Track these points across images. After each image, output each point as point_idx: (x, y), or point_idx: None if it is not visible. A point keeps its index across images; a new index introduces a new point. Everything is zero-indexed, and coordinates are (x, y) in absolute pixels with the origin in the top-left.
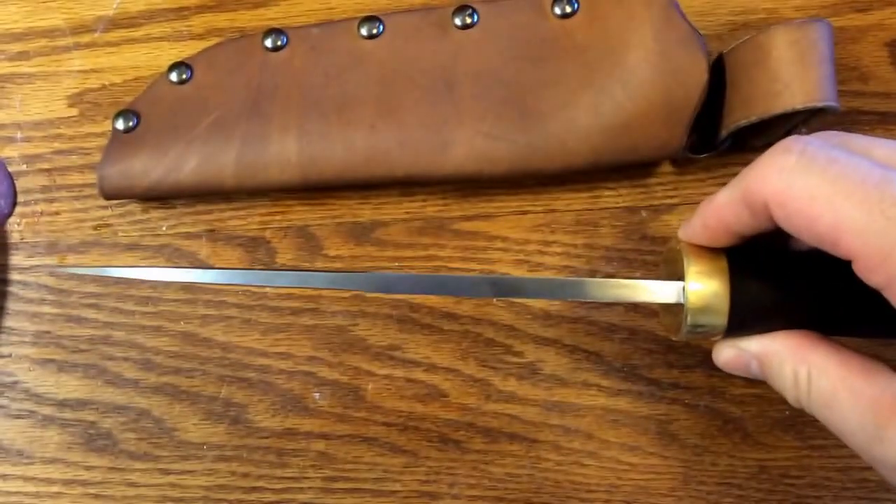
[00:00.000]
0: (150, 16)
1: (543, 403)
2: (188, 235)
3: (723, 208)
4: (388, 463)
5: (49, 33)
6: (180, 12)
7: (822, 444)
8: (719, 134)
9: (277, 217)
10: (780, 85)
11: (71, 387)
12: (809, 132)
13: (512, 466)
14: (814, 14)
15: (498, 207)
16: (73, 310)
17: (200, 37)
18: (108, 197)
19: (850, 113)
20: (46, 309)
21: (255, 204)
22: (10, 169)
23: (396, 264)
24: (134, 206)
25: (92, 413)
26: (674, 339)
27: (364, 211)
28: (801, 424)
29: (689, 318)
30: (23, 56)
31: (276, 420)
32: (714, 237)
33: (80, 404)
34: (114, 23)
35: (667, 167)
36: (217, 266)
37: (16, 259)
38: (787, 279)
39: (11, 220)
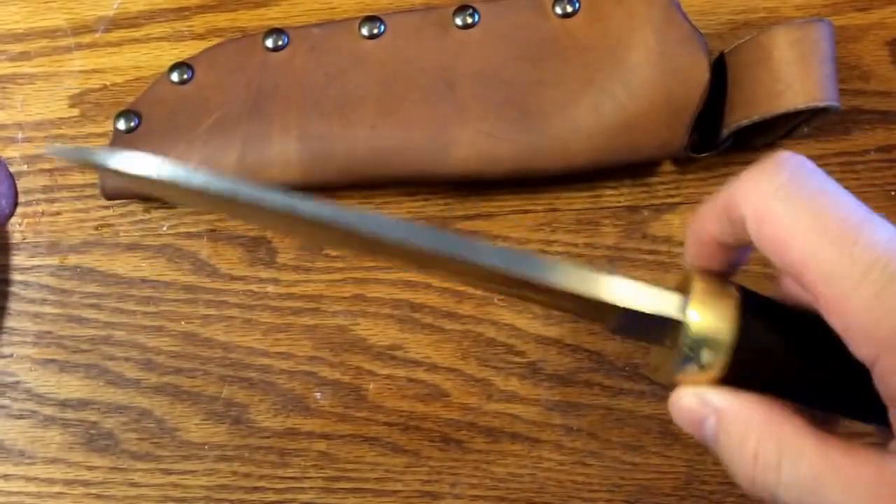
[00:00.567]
0: (150, 16)
1: (545, 403)
2: (189, 235)
3: (705, 215)
4: (389, 463)
5: (50, 33)
6: (181, 12)
7: None
8: (721, 133)
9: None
10: (781, 84)
11: (72, 387)
12: (811, 131)
13: (514, 466)
14: (815, 13)
15: (499, 207)
16: (75, 310)
17: (201, 37)
18: (109, 197)
19: (851, 112)
20: (48, 309)
21: None
22: (12, 169)
23: None
24: (135, 206)
25: (93, 413)
26: (661, 381)
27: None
28: None
29: (689, 336)
30: (24, 56)
31: (277, 420)
32: (704, 251)
33: (82, 404)
34: (115, 23)
35: (668, 166)
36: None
37: (17, 259)
38: (796, 333)
39: (13, 220)
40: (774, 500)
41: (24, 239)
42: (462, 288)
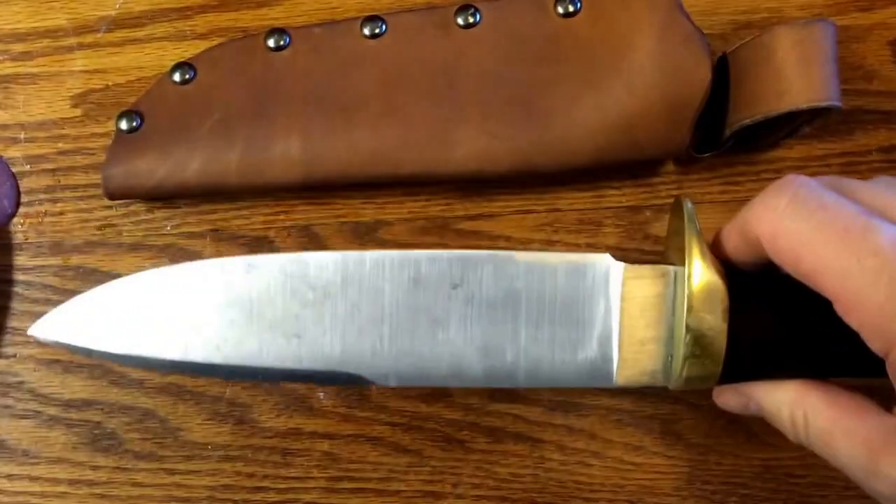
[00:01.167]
0: (152, 16)
1: (547, 403)
2: (192, 235)
3: (724, 240)
4: (392, 463)
5: (52, 33)
6: (183, 12)
7: None
8: (723, 133)
9: (281, 216)
10: (783, 84)
11: (76, 387)
12: (813, 131)
13: (516, 466)
14: (817, 13)
15: (501, 207)
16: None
17: (203, 37)
18: (112, 197)
19: (853, 112)
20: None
21: (259, 203)
22: (14, 169)
23: None
24: (138, 206)
25: (97, 413)
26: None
27: (367, 210)
28: None
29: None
30: (26, 56)
31: (280, 420)
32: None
33: (86, 404)
34: (117, 23)
35: (670, 166)
36: None
37: (20, 259)
38: (785, 320)
39: (15, 220)
40: (811, 449)
41: (27, 239)
42: None
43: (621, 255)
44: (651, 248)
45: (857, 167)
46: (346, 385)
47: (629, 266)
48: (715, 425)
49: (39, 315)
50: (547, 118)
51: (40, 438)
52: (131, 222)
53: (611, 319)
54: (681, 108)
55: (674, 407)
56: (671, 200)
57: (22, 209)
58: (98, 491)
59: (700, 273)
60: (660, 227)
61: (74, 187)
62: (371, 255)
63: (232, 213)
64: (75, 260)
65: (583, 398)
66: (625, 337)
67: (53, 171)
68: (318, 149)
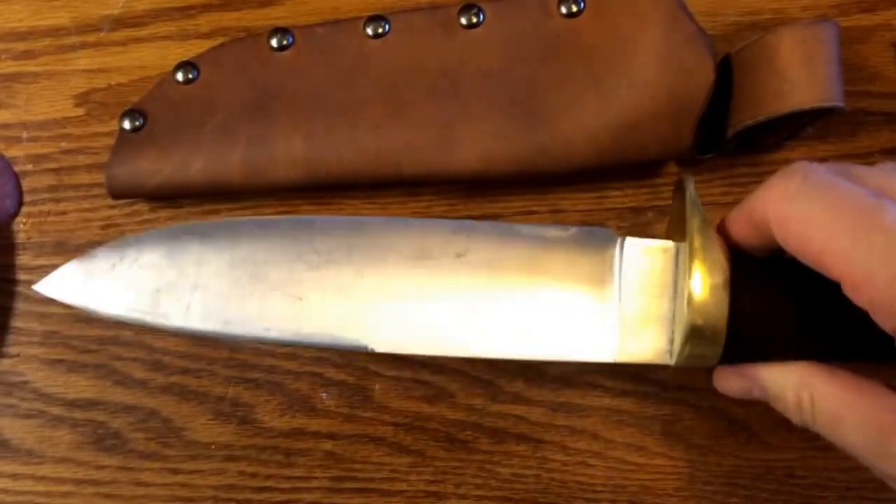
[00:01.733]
0: (156, 15)
1: (549, 404)
2: None
3: (731, 224)
4: (395, 463)
5: (55, 32)
6: (186, 11)
7: (826, 445)
8: (725, 134)
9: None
10: (786, 85)
11: (80, 387)
12: (816, 132)
13: (518, 467)
14: (821, 14)
15: (504, 207)
16: (82, 310)
17: (206, 36)
18: (116, 196)
19: (856, 113)
20: (54, 309)
21: (262, 203)
22: (17, 168)
23: None
24: (141, 206)
25: (101, 413)
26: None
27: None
28: None
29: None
30: (28, 55)
31: (283, 420)
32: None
33: (90, 404)
34: (120, 22)
35: (673, 167)
36: None
37: (23, 259)
38: (789, 300)
39: (17, 219)
40: (818, 433)
41: (30, 238)
42: None
43: None
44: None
45: None
46: (347, 349)
47: (632, 238)
48: (716, 426)
49: (43, 315)
50: (550, 118)
51: (45, 438)
52: (135, 222)
53: (613, 292)
54: (684, 109)
55: (675, 408)
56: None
57: (25, 208)
58: (103, 490)
59: (702, 247)
60: (662, 228)
61: (77, 187)
62: (376, 221)
63: (235, 213)
64: None
65: (585, 399)
66: (626, 312)
67: (56, 170)
68: (321, 149)
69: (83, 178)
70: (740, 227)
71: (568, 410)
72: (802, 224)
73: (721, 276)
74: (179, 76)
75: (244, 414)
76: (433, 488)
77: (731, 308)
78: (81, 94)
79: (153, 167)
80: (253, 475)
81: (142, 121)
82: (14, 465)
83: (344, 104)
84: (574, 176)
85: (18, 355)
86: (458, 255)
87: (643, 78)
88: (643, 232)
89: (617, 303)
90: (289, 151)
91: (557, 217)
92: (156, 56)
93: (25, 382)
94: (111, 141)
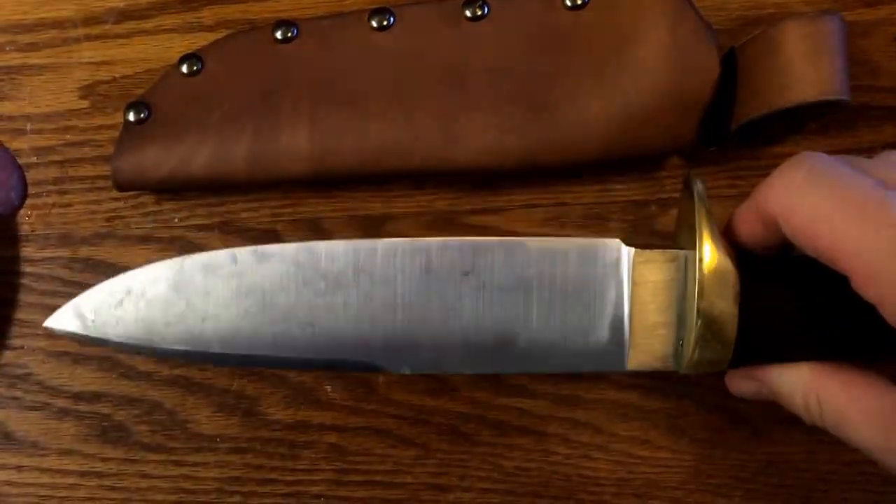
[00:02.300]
0: (160, 7)
1: (553, 397)
2: (200, 227)
3: (738, 222)
4: (399, 455)
5: (59, 24)
6: (190, 4)
7: (830, 439)
8: (730, 127)
9: (289, 209)
10: (791, 78)
11: (85, 379)
12: (820, 127)
13: (522, 460)
14: (824, 8)
15: (508, 201)
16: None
17: (211, 28)
18: (121, 189)
19: (860, 108)
20: (59, 301)
21: (267, 196)
22: (21, 161)
23: None
24: (146, 198)
25: (106, 405)
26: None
27: (375, 204)
28: None
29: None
30: (33, 47)
31: (288, 412)
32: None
33: (95, 397)
34: (124, 14)
35: (676, 160)
36: None
37: (27, 251)
38: (797, 302)
39: (22, 212)
40: (827, 430)
41: (35, 231)
42: None
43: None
44: (658, 243)
45: None
46: (361, 371)
47: (639, 251)
48: (720, 420)
49: (48, 307)
50: (555, 111)
51: (49, 430)
52: (139, 214)
53: (622, 304)
54: (689, 102)
55: (680, 401)
56: (677, 194)
57: (29, 201)
58: (107, 483)
59: (711, 256)
60: (666, 222)
61: (82, 179)
62: (382, 244)
63: (240, 206)
64: (83, 252)
65: (588, 392)
66: (636, 322)
67: (61, 162)
68: (326, 141)
69: (88, 170)
70: (748, 224)
71: (571, 403)
72: (809, 217)
73: (732, 289)
74: (184, 68)
75: (249, 406)
76: (437, 481)
77: (740, 316)
78: (86, 86)
79: (158, 159)
80: (258, 467)
81: (146, 113)
82: (19, 457)
83: (349, 96)
84: (578, 169)
85: (23, 347)
86: (465, 274)
87: (648, 71)
88: (647, 225)
89: (626, 313)
90: (294, 144)
91: (561, 210)
92: (160, 48)
93: (30, 374)
94: (116, 133)
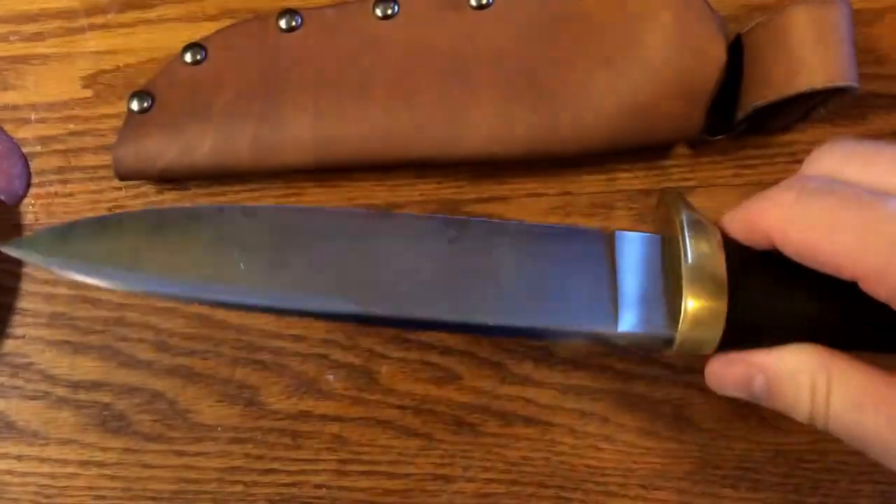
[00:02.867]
0: None
1: (558, 387)
2: None
3: (729, 226)
4: (402, 446)
5: (64, 14)
6: None
7: None
8: (736, 115)
9: (292, 199)
10: (798, 64)
11: (85, 368)
12: (826, 115)
13: (527, 450)
14: None
15: (512, 190)
16: (88, 291)
17: (214, 18)
18: (122, 178)
19: (866, 96)
20: (61, 290)
21: (270, 186)
22: (25, 150)
23: None
24: (148, 188)
25: (107, 395)
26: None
27: (379, 193)
28: None
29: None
30: (37, 37)
31: (290, 402)
32: None
33: (95, 386)
34: (128, 4)
35: (683, 149)
36: None
37: None
38: (791, 286)
39: (25, 201)
40: (826, 427)
41: (38, 220)
42: None
43: None
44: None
45: None
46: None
47: (624, 231)
48: (727, 410)
49: (49, 296)
50: (559, 99)
51: (49, 419)
52: (141, 204)
53: (608, 275)
54: (695, 89)
55: (686, 391)
56: (684, 183)
57: (32, 190)
58: (107, 472)
59: (693, 223)
60: None
61: (84, 168)
62: (364, 212)
63: (243, 196)
64: None
65: (595, 382)
66: (624, 290)
67: (64, 151)
68: (330, 130)
69: (90, 159)
70: (735, 231)
71: (577, 393)
72: (807, 234)
73: (715, 238)
74: (188, 57)
75: (250, 396)
76: (441, 471)
77: (731, 289)
78: (89, 75)
79: (161, 148)
80: (259, 457)
81: (150, 102)
82: (20, 446)
83: (353, 85)
84: (583, 158)
85: (24, 336)
86: (451, 241)
87: (654, 58)
88: (653, 214)
89: (613, 282)
90: (297, 133)
91: (566, 199)
92: (164, 38)
93: (31, 364)
94: (119, 123)
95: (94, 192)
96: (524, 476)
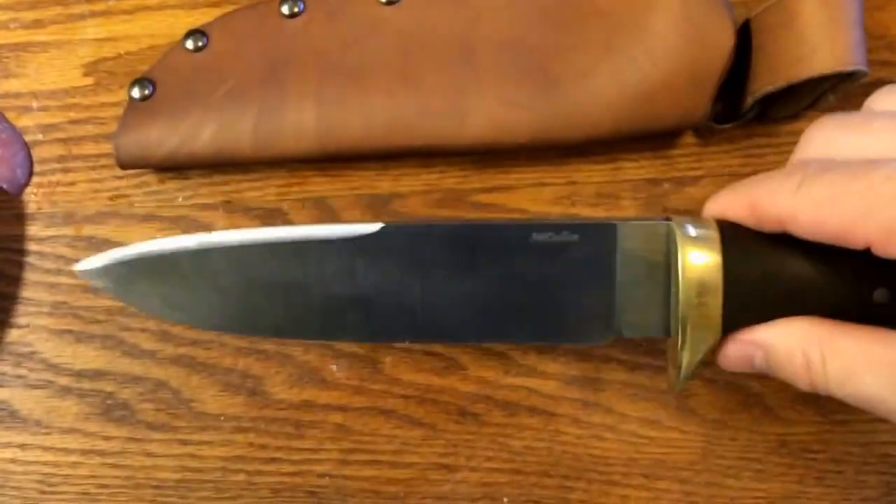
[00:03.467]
0: None
1: (563, 377)
2: (205, 206)
3: (726, 207)
4: (406, 435)
5: (63, 1)
6: None
7: (843, 419)
8: (744, 103)
9: (295, 188)
10: (807, 49)
11: (88, 357)
12: (836, 102)
13: (531, 440)
14: None
15: (517, 179)
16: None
17: (216, 4)
18: (124, 167)
19: (875, 83)
20: (63, 279)
21: (272, 175)
22: (27, 138)
23: None
24: (150, 177)
25: (109, 384)
26: (676, 378)
27: (382, 182)
28: (822, 399)
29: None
30: (37, 24)
31: (293, 392)
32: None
33: (98, 375)
34: None
35: (689, 138)
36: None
37: (32, 229)
38: (782, 263)
39: (27, 190)
40: (830, 395)
41: (40, 209)
42: None
43: None
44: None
45: None
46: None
47: (623, 222)
48: (730, 400)
49: (52, 285)
50: (565, 86)
51: (52, 408)
52: (143, 193)
53: (610, 274)
54: (703, 75)
55: (689, 381)
56: (690, 173)
57: (35, 179)
58: (110, 461)
59: (690, 219)
60: (678, 200)
61: (86, 157)
62: (374, 230)
63: (245, 185)
64: (87, 230)
65: (599, 372)
66: (623, 291)
67: (65, 140)
68: (333, 118)
69: (91, 148)
70: (733, 212)
71: (581, 384)
72: (815, 212)
73: (714, 234)
74: (189, 44)
75: (254, 385)
76: (444, 461)
77: (726, 273)
78: (90, 63)
79: (162, 136)
80: (262, 447)
81: (151, 89)
82: (23, 435)
83: (356, 72)
84: (589, 146)
85: (27, 326)
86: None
87: (660, 44)
88: (659, 203)
89: (615, 282)
90: (300, 120)
91: (572, 188)
92: (165, 24)
93: (34, 353)
94: (119, 111)
95: (95, 180)
96: (527, 466)
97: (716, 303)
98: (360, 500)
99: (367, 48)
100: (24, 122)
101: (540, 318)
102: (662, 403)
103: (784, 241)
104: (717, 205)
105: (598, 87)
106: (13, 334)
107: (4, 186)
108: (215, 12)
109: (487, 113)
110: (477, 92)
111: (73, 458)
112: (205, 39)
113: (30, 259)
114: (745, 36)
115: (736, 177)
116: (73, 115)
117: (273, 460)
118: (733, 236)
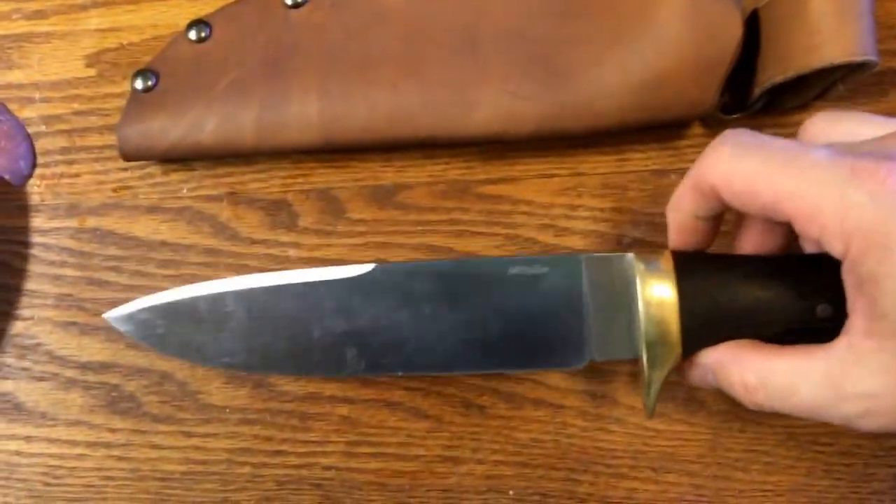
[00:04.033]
0: None
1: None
2: (209, 198)
3: (681, 197)
4: (411, 428)
5: None
6: None
7: None
8: (752, 93)
9: (299, 180)
10: (817, 39)
11: (93, 349)
12: (846, 92)
13: (537, 432)
14: None
15: (523, 170)
16: (95, 272)
17: None
18: (127, 158)
19: (885, 73)
20: (68, 271)
21: (277, 166)
22: (30, 130)
23: (419, 228)
24: (154, 168)
25: (115, 376)
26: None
27: (387, 173)
28: None
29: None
30: (40, 14)
31: (298, 384)
32: (684, 229)
33: (103, 367)
34: None
35: (697, 129)
36: None
37: (36, 221)
38: (731, 289)
39: (31, 181)
40: (774, 411)
41: (43, 201)
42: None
43: (646, 219)
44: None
45: None
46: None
47: (590, 255)
48: None
49: (56, 277)
50: (571, 77)
51: (58, 400)
52: (147, 184)
53: (579, 304)
54: (710, 66)
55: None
56: None
57: (38, 170)
58: (116, 453)
59: (648, 253)
60: None
61: (90, 148)
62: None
63: (249, 176)
64: (91, 222)
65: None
66: (593, 321)
67: (69, 131)
68: (337, 108)
69: (95, 139)
70: (690, 197)
71: (588, 376)
72: (747, 180)
73: (669, 271)
74: (192, 35)
75: (259, 378)
76: (450, 453)
77: (681, 301)
78: (93, 54)
79: (165, 128)
80: (268, 439)
81: (154, 80)
82: (28, 427)
83: (359, 62)
84: (595, 137)
85: (33, 318)
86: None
87: (667, 34)
88: (666, 195)
89: (584, 310)
90: (303, 111)
91: (578, 179)
92: (168, 15)
93: (39, 345)
94: (123, 102)
95: (99, 172)
96: (534, 458)
97: (674, 329)
98: (366, 492)
99: (371, 39)
100: (26, 113)
101: (520, 346)
102: (670, 396)
103: (734, 267)
104: (672, 201)
105: (604, 78)
106: (18, 326)
107: (8, 178)
108: (218, 2)
109: (493, 104)
110: (482, 83)
111: (78, 451)
112: (208, 30)
113: (34, 251)
114: (753, 26)
115: None
116: (76, 106)
117: (279, 452)
118: (687, 267)
